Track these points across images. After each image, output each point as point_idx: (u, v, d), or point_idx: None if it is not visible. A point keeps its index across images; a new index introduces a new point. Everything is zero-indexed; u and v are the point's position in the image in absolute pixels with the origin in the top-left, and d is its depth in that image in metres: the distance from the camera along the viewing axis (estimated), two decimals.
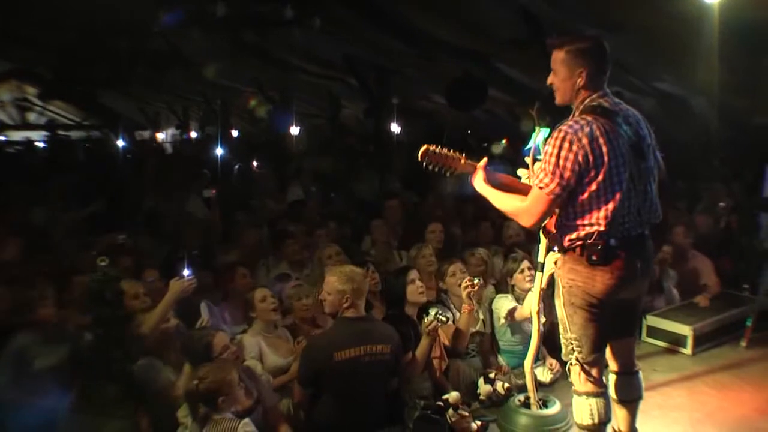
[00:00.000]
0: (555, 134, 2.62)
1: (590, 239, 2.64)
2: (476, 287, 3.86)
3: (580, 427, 2.90)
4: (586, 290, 2.70)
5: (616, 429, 3.17)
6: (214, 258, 5.45)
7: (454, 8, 7.56)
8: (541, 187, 2.62)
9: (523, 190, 2.86)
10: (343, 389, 3.30)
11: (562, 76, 2.73)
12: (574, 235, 2.68)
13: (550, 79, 2.80)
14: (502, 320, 4.28)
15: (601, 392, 2.85)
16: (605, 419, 2.86)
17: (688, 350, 4.66)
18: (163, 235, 6.04)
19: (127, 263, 4.53)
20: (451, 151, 2.94)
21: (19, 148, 16.44)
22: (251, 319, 3.97)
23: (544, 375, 4.16)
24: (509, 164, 3.46)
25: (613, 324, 2.83)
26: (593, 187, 2.58)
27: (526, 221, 2.75)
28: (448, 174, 2.97)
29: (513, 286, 4.34)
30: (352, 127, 16.41)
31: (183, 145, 20.30)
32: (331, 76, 12.62)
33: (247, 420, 2.88)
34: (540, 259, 3.48)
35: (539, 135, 3.25)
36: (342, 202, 8.49)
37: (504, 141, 3.16)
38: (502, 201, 2.84)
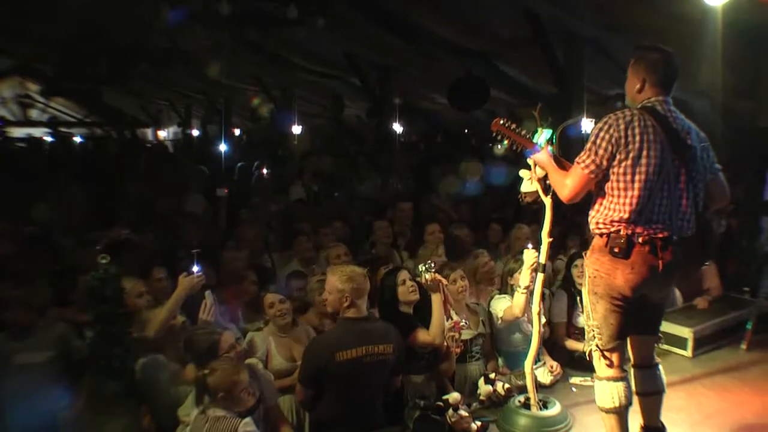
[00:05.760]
0: (602, 119, 2.84)
1: (614, 227, 2.79)
2: (461, 329, 3.87)
3: (603, 410, 3.04)
4: (607, 282, 2.86)
5: (641, 425, 3.22)
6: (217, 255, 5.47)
7: (456, 8, 7.56)
8: (578, 163, 2.85)
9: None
10: (344, 389, 3.30)
11: (628, 80, 2.97)
12: (601, 219, 2.85)
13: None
14: (500, 320, 4.29)
15: (621, 377, 2.99)
16: (626, 403, 3.00)
17: (688, 352, 4.66)
18: (161, 232, 6.03)
19: (131, 260, 4.52)
20: (519, 129, 3.28)
21: (22, 146, 16.42)
22: (267, 319, 3.98)
23: (545, 376, 4.15)
24: (511, 165, 3.48)
25: (635, 320, 2.97)
26: (621, 169, 2.76)
27: (564, 194, 2.95)
28: (514, 148, 3.32)
29: (512, 286, 4.33)
30: (354, 127, 16.42)
31: (184, 143, 20.29)
32: (333, 75, 12.63)
33: (248, 419, 2.88)
34: (542, 260, 3.48)
35: (541, 136, 3.26)
36: (345, 202, 8.49)
37: (506, 141, 3.18)
38: (554, 175, 3.09)
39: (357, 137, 15.38)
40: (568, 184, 2.90)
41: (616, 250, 2.78)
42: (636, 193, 2.74)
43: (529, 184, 3.40)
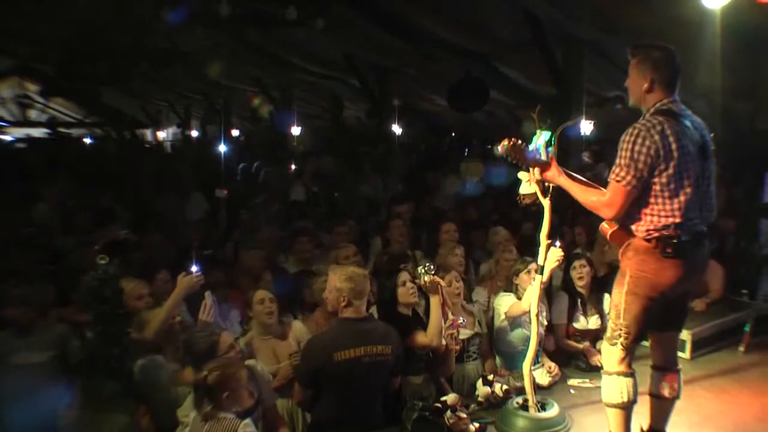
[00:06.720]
0: (629, 131, 2.80)
1: (667, 231, 2.81)
2: (460, 327, 3.87)
3: (609, 405, 3.06)
4: (653, 282, 2.87)
5: (644, 429, 3.24)
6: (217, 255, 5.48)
7: (456, 9, 7.57)
8: (618, 180, 2.81)
9: (589, 185, 3.07)
10: (342, 389, 3.30)
11: (632, 80, 2.96)
12: (651, 226, 2.84)
13: (626, 83, 3.02)
14: (503, 316, 4.29)
15: (631, 373, 3.04)
16: (633, 399, 3.04)
17: (686, 354, 4.66)
18: (163, 233, 6.04)
19: (130, 260, 4.51)
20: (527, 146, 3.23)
21: (22, 146, 16.43)
22: (249, 318, 3.97)
23: (543, 378, 4.16)
24: (511, 167, 3.47)
25: (663, 317, 3.01)
26: (664, 179, 2.77)
27: (607, 213, 2.91)
28: (523, 166, 3.29)
29: (517, 285, 4.34)
30: (353, 128, 16.44)
31: (183, 144, 20.29)
32: (332, 76, 12.64)
33: (247, 421, 2.87)
34: (540, 262, 3.48)
35: (540, 138, 3.26)
36: (346, 203, 8.50)
37: (506, 143, 3.21)
38: (582, 194, 3.03)
39: (358, 138, 15.40)
40: (609, 203, 2.86)
41: (668, 250, 2.81)
42: (683, 198, 2.79)
43: (527, 186, 3.41)
